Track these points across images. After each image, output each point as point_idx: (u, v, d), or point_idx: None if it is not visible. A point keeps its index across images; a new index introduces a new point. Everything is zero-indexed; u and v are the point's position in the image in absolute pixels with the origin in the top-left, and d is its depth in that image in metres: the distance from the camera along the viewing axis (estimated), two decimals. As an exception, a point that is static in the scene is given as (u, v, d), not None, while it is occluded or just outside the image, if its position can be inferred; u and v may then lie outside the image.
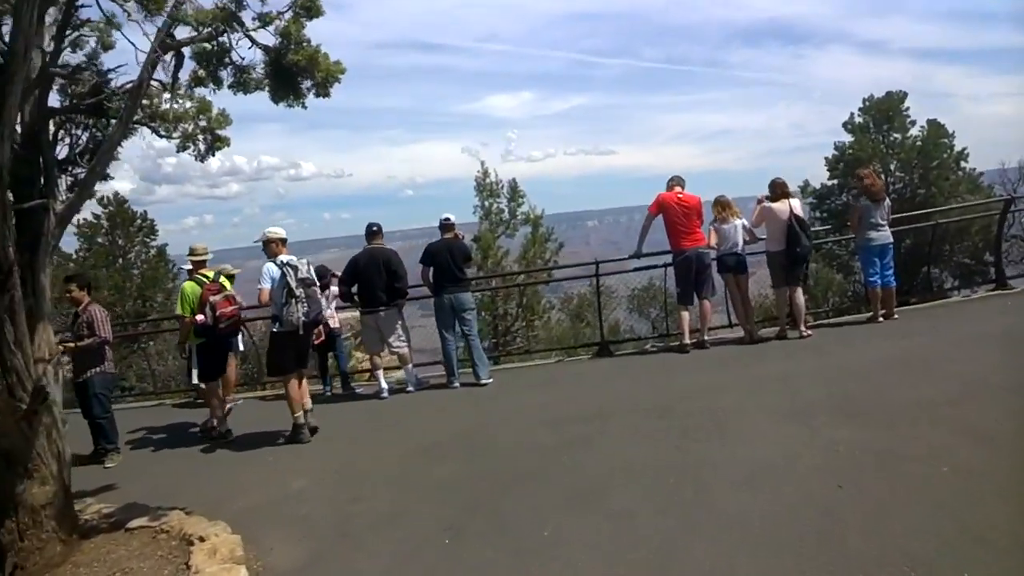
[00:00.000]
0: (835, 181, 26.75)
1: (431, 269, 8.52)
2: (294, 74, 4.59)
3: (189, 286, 7.61)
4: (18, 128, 4.97)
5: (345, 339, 9.97)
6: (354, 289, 8.49)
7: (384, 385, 8.49)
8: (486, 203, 16.17)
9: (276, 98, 4.80)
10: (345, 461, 6.16)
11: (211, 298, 7.23)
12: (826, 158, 27.05)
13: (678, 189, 8.78)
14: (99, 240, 22.51)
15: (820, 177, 27.46)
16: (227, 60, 4.51)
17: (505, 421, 6.64)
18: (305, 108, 4.82)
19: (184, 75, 4.66)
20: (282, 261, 6.80)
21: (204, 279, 7.57)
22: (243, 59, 4.63)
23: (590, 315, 12.62)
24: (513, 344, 13.14)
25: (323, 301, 7.59)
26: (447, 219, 8.63)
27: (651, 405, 6.35)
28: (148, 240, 23.14)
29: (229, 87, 4.70)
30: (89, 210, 22.96)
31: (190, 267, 7.86)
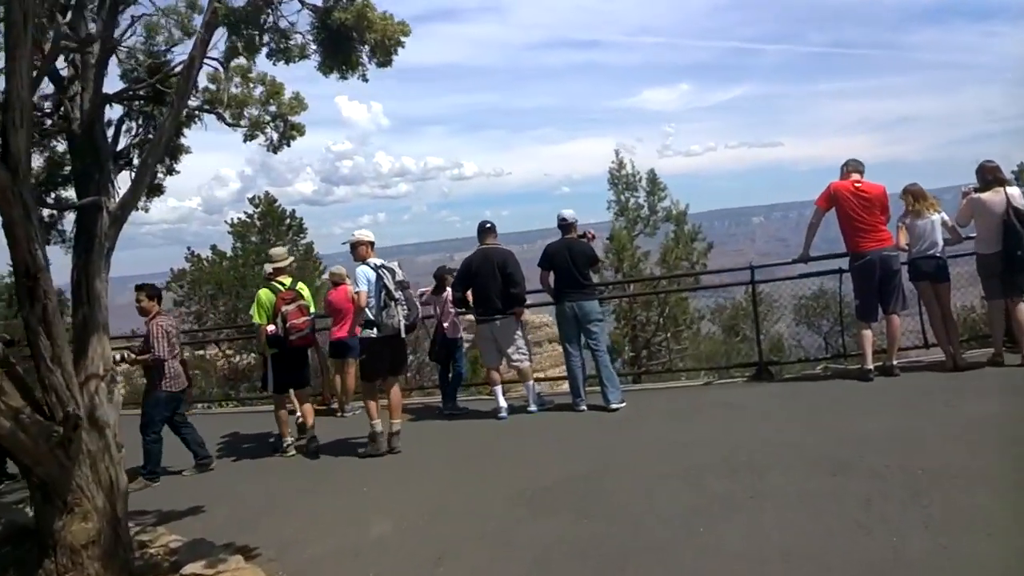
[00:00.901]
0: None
1: (551, 273, 7.62)
2: (344, 37, 3.76)
3: (264, 293, 7.27)
4: (77, 116, 4.56)
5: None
6: (469, 294, 7.78)
7: (502, 403, 7.67)
8: (622, 198, 14.69)
9: (325, 68, 4.02)
10: (440, 501, 5.34)
11: (283, 308, 6.98)
12: (1050, 135, 22.53)
13: (855, 176, 7.24)
14: (252, 239, 23.52)
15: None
16: (265, 22, 3.76)
17: (632, 464, 5.52)
18: (366, 81, 4.01)
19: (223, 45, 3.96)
20: (375, 264, 6.68)
21: (280, 286, 7.24)
22: (290, 23, 3.86)
23: (747, 327, 11.07)
24: (656, 358, 11.82)
25: (418, 305, 7.14)
26: (563, 218, 7.65)
27: (822, 456, 4.99)
28: (297, 239, 23.88)
29: (268, 56, 3.98)
30: (242, 210, 24.10)
31: (270, 272, 7.52)
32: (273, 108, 5.18)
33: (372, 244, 6.92)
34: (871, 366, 7.08)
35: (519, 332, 7.69)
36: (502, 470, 5.90)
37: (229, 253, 23.23)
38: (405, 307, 6.65)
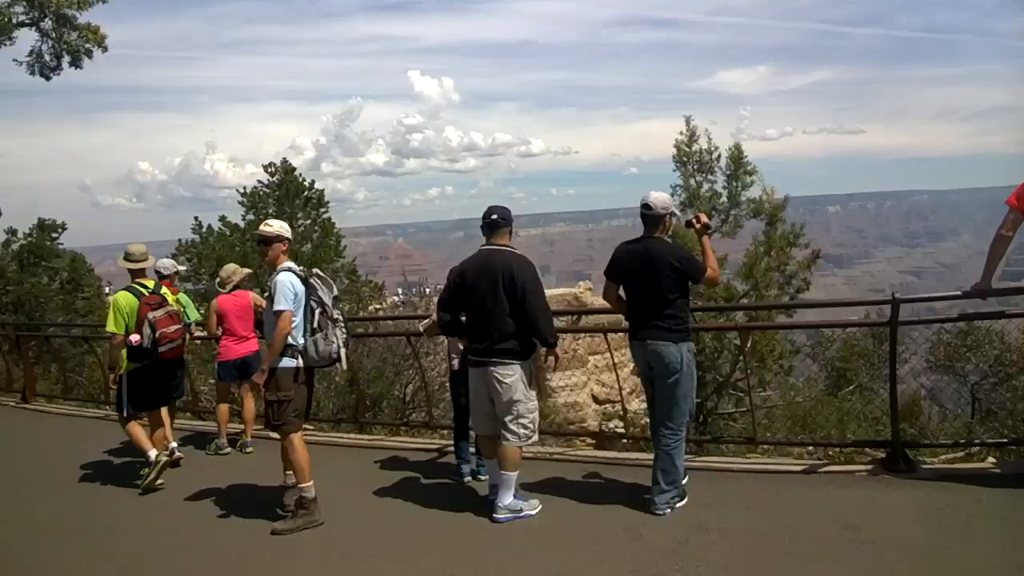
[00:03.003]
0: None
1: (619, 287, 5.23)
2: None
3: (123, 297, 6.27)
4: None
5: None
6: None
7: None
8: (692, 182, 11.54)
9: None
10: None
11: (150, 314, 6.13)
12: None
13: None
14: (269, 211, 21.37)
15: None
16: None
17: None
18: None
19: None
20: (302, 271, 5.24)
21: (142, 290, 6.33)
22: None
23: (864, 370, 8.20)
24: (727, 411, 8.92)
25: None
26: (647, 205, 5.03)
27: None
28: (316, 213, 21.66)
29: None
30: (256, 178, 21.99)
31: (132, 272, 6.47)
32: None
33: (289, 241, 5.35)
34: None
35: (523, 388, 5.03)
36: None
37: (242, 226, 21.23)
38: (344, 330, 5.33)
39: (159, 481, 6.17)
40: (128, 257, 6.40)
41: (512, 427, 5.04)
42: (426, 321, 6.04)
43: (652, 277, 4.91)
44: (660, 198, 5.06)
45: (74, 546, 5.18)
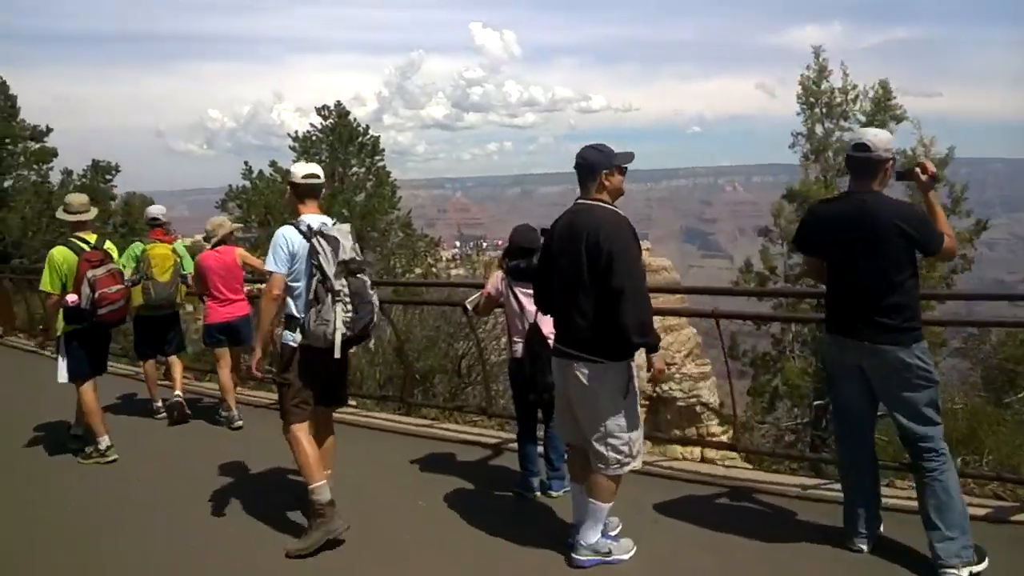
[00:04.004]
0: None
1: (823, 264, 3.89)
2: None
3: (60, 252, 5.71)
4: None
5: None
6: None
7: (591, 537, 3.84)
8: (820, 129, 9.26)
9: None
10: None
11: (89, 272, 5.58)
12: None
13: None
14: (322, 157, 20.34)
15: None
16: None
17: None
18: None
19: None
20: (309, 227, 4.13)
21: (83, 245, 5.72)
22: None
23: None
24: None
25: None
26: (863, 145, 3.66)
27: None
28: (371, 160, 20.53)
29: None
30: (308, 122, 20.99)
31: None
32: None
33: (313, 189, 4.30)
34: None
35: (616, 395, 3.65)
36: None
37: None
38: (351, 308, 4.07)
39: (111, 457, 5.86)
40: (67, 209, 5.87)
41: (599, 448, 3.69)
42: (474, 297, 4.93)
43: (873, 248, 3.50)
44: (882, 137, 3.67)
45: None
